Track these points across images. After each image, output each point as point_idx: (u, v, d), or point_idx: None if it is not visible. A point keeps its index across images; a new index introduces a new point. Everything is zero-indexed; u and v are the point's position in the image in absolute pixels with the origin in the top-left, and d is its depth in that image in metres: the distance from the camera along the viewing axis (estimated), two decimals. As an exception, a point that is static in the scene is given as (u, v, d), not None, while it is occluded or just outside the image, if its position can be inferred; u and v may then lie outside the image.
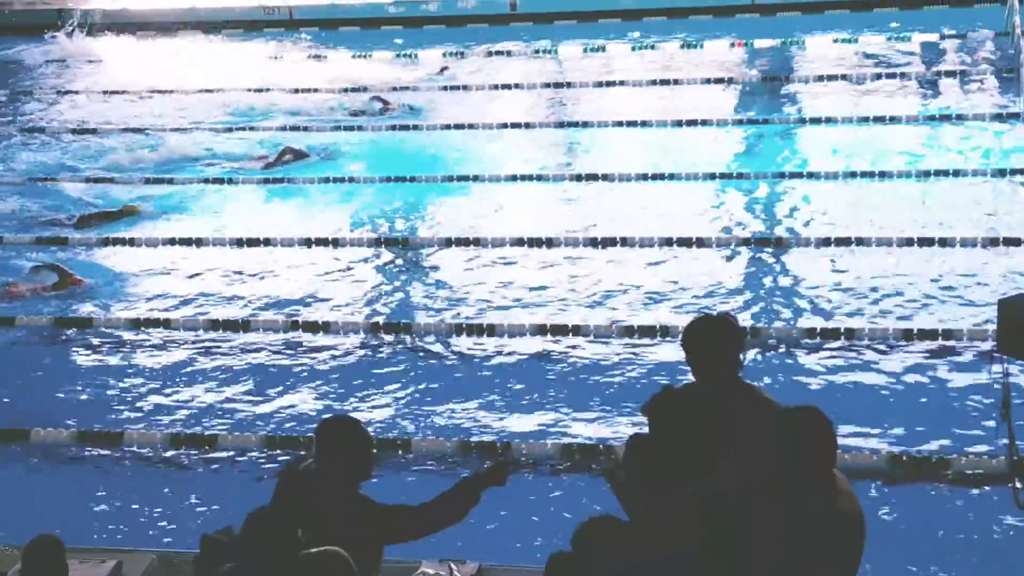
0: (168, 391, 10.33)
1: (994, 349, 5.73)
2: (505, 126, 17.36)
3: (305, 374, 10.48)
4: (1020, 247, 11.69)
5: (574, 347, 10.61)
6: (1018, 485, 5.83)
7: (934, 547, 7.58)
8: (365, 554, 5.20)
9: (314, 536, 4.85)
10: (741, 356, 5.64)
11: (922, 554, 7.49)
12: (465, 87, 19.74)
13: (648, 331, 10.54)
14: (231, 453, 9.18)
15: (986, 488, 7.95)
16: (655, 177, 14.75)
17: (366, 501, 5.37)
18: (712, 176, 14.67)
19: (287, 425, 9.55)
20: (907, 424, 9.03)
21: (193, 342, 11.16)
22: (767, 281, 11.94)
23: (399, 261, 13.01)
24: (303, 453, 7.64)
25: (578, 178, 15.02)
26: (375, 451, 5.48)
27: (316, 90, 19.94)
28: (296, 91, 19.91)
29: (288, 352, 10.89)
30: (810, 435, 4.62)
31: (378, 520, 5.29)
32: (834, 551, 4.52)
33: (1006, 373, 5.62)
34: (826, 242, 12.41)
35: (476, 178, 15.23)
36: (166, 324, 11.45)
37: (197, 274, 12.78)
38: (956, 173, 14.01)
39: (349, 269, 12.79)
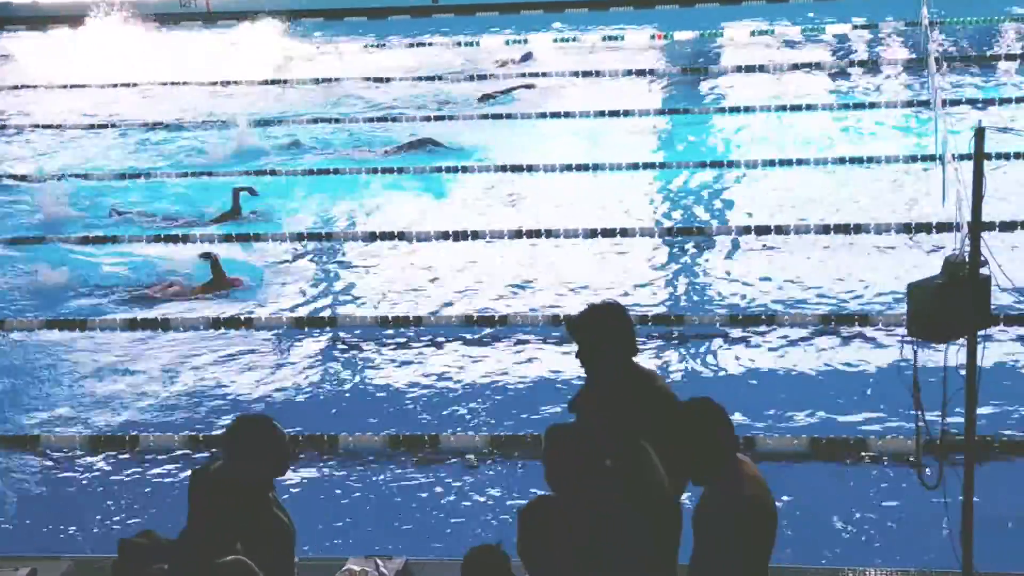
0: (87, 392, 10.20)
1: (905, 333, 5.87)
2: (428, 119, 17.38)
3: (228, 371, 10.42)
4: (931, 233, 11.95)
5: (500, 338, 10.67)
6: (939, 465, 5.98)
7: (851, 525, 7.75)
8: (273, 559, 5.18)
9: (231, 538, 4.83)
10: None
11: (840, 533, 7.66)
12: (388, 79, 19.72)
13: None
14: (152, 454, 9.07)
15: (901, 468, 8.14)
16: (579, 168, 14.86)
17: (275, 512, 5.32)
18: (635, 166, 14.81)
19: (210, 424, 9.47)
20: (826, 407, 9.21)
21: (107, 341, 11.06)
22: (690, 269, 12.10)
23: (324, 254, 12.97)
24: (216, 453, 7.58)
25: (502, 169, 15.07)
26: (290, 449, 5.44)
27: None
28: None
29: (212, 349, 10.83)
30: (704, 426, 4.73)
31: (280, 535, 5.25)
32: (741, 535, 4.62)
33: (915, 355, 5.77)
34: (747, 230, 12.60)
35: (400, 171, 15.23)
36: (81, 326, 11.29)
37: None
38: (870, 160, 14.29)
39: (275, 262, 12.74)
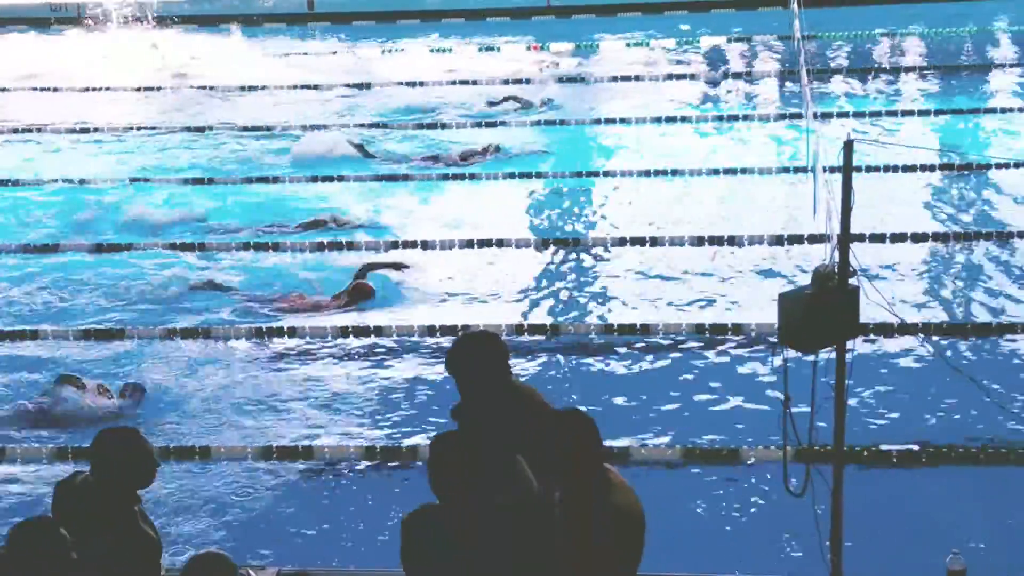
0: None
1: (776, 341, 5.96)
2: (305, 128, 17.20)
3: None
4: (803, 244, 12.19)
5: (377, 349, 10.59)
6: (806, 472, 6.07)
7: (723, 535, 7.84)
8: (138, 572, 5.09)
9: (97, 547, 4.75)
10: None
11: (712, 542, 7.74)
12: (264, 87, 19.51)
13: (450, 331, 10.59)
14: (18, 466, 8.80)
15: (773, 477, 8.26)
16: (455, 178, 14.86)
17: (140, 525, 5.22)
18: (511, 176, 14.85)
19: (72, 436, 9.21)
20: (700, 416, 9.31)
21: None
22: (565, 279, 12.15)
23: (198, 265, 12.71)
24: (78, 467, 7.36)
25: (377, 179, 14.98)
26: (155, 461, 5.35)
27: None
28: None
29: (83, 360, 10.54)
30: (572, 437, 4.77)
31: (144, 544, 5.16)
32: (609, 543, 4.65)
33: (785, 363, 5.86)
34: (622, 241, 12.70)
35: (275, 179, 15.05)
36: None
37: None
38: (744, 171, 14.52)
39: (142, 274, 12.45)
